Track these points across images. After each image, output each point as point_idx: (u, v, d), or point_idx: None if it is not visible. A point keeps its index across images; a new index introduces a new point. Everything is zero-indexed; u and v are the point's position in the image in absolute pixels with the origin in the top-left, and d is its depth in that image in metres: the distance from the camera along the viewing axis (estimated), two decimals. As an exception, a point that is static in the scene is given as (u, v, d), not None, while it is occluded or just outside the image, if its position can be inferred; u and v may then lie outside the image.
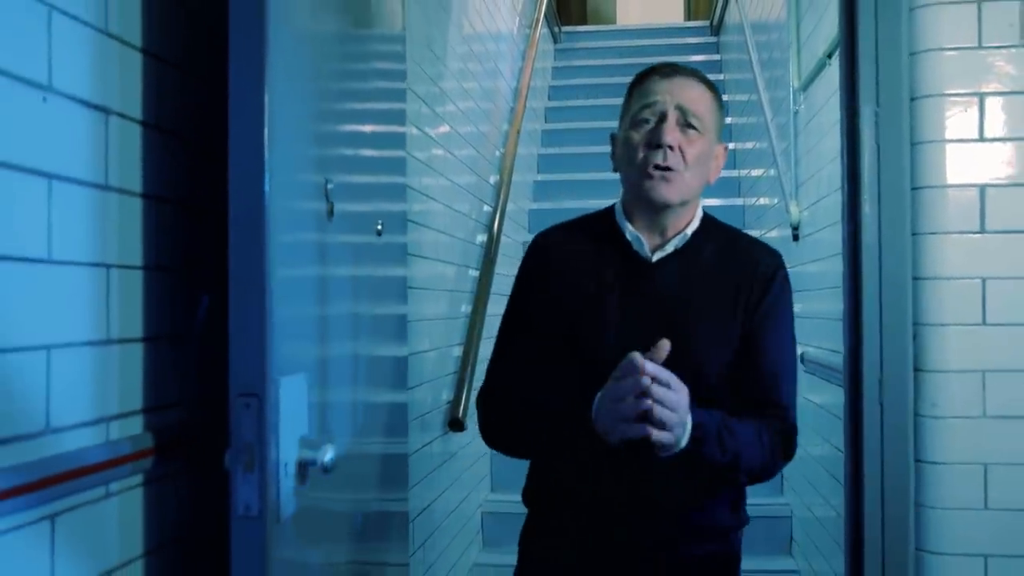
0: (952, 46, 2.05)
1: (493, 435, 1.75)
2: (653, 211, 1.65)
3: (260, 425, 1.28)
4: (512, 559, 1.84)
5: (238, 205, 1.28)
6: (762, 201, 4.70)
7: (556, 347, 1.67)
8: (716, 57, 6.94)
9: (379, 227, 1.94)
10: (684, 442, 1.49)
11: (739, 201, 5.43)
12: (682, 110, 1.60)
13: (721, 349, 1.65)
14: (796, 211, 3.57)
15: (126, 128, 1.32)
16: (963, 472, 2.04)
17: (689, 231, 1.67)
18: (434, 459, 3.24)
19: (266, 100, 1.26)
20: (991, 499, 2.03)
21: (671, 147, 1.58)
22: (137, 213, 1.35)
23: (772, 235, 4.32)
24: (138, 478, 1.35)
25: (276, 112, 1.29)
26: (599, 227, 1.73)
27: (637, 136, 1.62)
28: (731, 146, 6.20)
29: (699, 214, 1.71)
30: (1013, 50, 2.03)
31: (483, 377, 1.81)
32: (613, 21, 8.52)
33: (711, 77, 6.25)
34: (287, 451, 1.35)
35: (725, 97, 6.30)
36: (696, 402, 1.51)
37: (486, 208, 4.29)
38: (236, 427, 1.29)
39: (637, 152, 1.61)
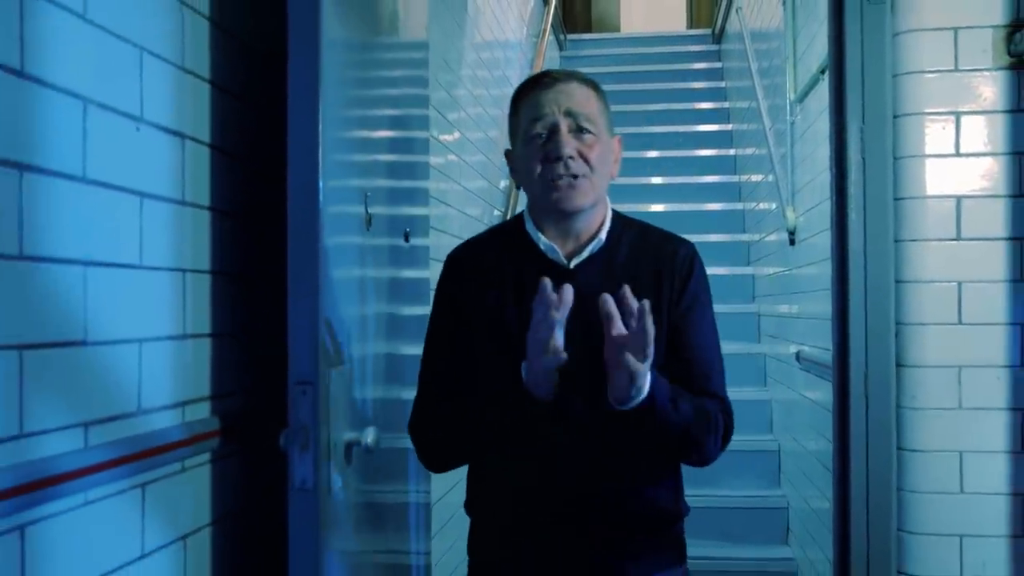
0: (931, 69, 2.22)
1: (431, 452, 1.66)
2: (564, 219, 1.60)
3: (314, 410, 1.47)
4: None
5: (296, 218, 1.47)
6: (761, 206, 4.86)
7: (482, 362, 1.60)
8: (718, 64, 7.09)
9: (407, 232, 2.13)
10: (645, 390, 1.45)
11: (739, 206, 5.59)
12: (572, 115, 1.56)
13: (654, 346, 1.48)
14: (792, 216, 3.73)
15: (197, 150, 1.51)
16: (940, 459, 2.21)
17: (603, 234, 1.62)
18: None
19: (320, 130, 1.45)
20: (966, 484, 2.20)
21: (571, 157, 1.55)
22: (206, 225, 1.54)
23: (771, 239, 4.49)
24: (206, 456, 1.54)
25: (327, 138, 1.48)
26: (511, 239, 1.66)
27: (533, 151, 1.57)
28: (731, 152, 6.33)
29: (609, 213, 1.65)
30: (987, 73, 2.20)
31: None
32: (617, 29, 8.65)
33: (712, 84, 6.46)
34: (336, 433, 1.54)
35: (726, 104, 6.51)
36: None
37: (496, 212, 4.46)
38: (294, 411, 1.48)
39: (537, 167, 1.57)
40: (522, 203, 5.12)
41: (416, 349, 2.24)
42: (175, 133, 1.44)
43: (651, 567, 1.62)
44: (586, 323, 1.49)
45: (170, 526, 1.43)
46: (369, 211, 1.77)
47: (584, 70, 6.49)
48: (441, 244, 3.25)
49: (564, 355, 1.42)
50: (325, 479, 1.49)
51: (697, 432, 1.55)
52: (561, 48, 7.33)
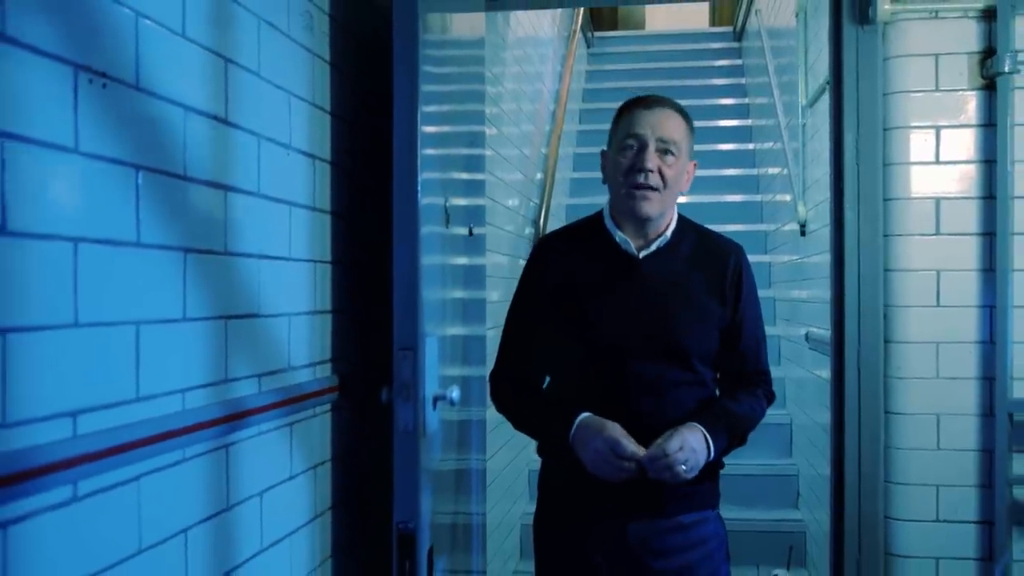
0: (916, 89, 2.58)
1: (501, 411, 2.06)
2: (637, 222, 1.90)
3: (414, 370, 1.89)
4: None
5: (400, 218, 1.88)
6: (777, 198, 5.21)
7: (561, 332, 1.91)
8: (739, 62, 7.36)
9: (471, 227, 2.53)
10: (702, 463, 1.81)
11: (757, 197, 5.91)
12: (661, 139, 1.85)
13: (704, 326, 1.92)
14: (803, 210, 4.08)
15: (323, 167, 1.93)
16: (921, 421, 2.57)
17: (669, 232, 1.93)
18: (489, 423, 3.80)
19: (418, 153, 1.86)
20: (942, 442, 2.57)
21: (651, 171, 1.83)
22: (327, 225, 1.96)
23: (785, 229, 4.84)
24: (328, 406, 1.97)
25: (422, 156, 1.89)
26: (591, 231, 1.97)
27: (624, 159, 1.86)
28: (751, 146, 6.63)
29: (675, 217, 1.96)
30: (963, 93, 2.56)
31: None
32: (642, 27, 8.93)
33: (733, 81, 6.75)
34: (428, 388, 1.96)
35: (746, 100, 6.81)
36: (681, 372, 1.88)
37: (532, 203, 4.80)
38: (398, 371, 1.90)
39: (623, 172, 1.86)
40: (556, 196, 5.41)
41: (479, 328, 2.65)
42: (309, 155, 1.86)
43: (690, 507, 1.92)
44: (650, 303, 1.87)
45: (306, 457, 1.86)
46: (448, 210, 2.18)
47: (609, 67, 6.83)
48: (486, 234, 3.62)
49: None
50: (421, 423, 1.91)
51: (751, 430, 1.98)
52: (589, 46, 7.59)
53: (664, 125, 1.86)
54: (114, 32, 1.20)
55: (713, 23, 8.31)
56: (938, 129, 2.57)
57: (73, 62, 1.12)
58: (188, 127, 1.38)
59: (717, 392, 2.02)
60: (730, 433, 1.89)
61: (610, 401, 1.86)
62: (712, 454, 1.83)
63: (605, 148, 1.98)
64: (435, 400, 2.01)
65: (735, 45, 7.59)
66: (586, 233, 1.99)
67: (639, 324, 1.85)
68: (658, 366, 1.87)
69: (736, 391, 1.99)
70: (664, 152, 1.86)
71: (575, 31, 6.24)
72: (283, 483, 1.74)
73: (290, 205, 1.76)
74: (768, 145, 5.64)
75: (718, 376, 2.03)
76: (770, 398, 2.06)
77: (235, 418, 1.51)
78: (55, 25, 1.08)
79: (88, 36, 1.15)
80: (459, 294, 2.43)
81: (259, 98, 1.62)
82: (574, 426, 1.83)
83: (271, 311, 1.68)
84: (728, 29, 7.87)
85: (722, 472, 2.05)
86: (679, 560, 1.92)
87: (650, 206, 1.86)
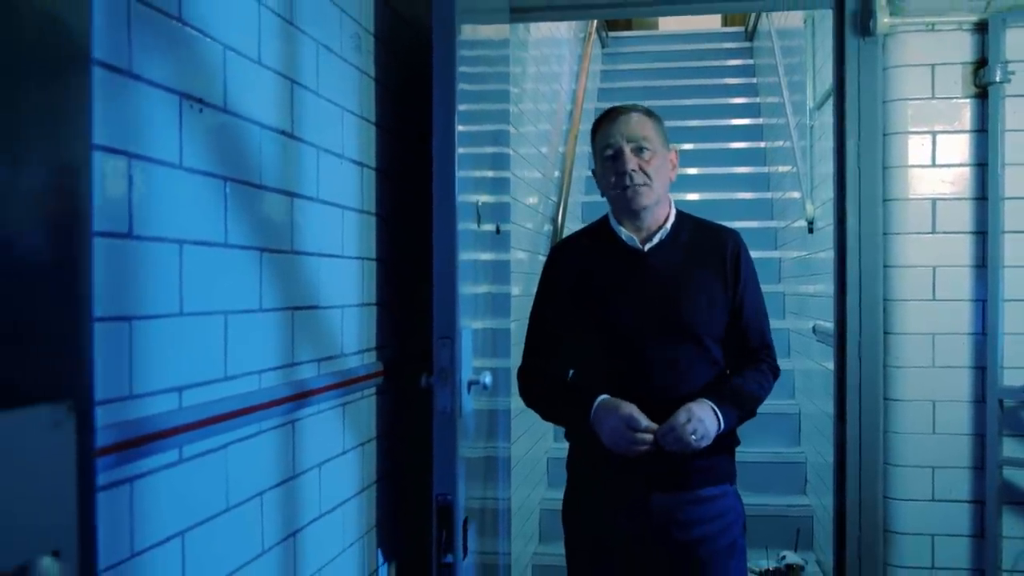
0: (913, 97, 2.75)
1: (530, 406, 2.24)
2: (636, 216, 2.09)
3: (452, 357, 2.09)
4: None
5: (440, 218, 2.06)
6: (787, 196, 5.36)
7: (582, 325, 2.09)
8: (750, 61, 7.47)
9: (498, 226, 2.72)
10: (713, 433, 1.97)
11: (768, 195, 6.05)
12: (633, 140, 2.05)
13: (711, 307, 2.08)
14: (811, 208, 4.24)
15: (369, 173, 2.13)
16: (918, 407, 2.74)
17: (668, 224, 2.11)
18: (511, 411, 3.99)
19: (456, 159, 2.05)
20: (937, 426, 2.74)
21: (633, 171, 2.03)
22: (372, 226, 2.16)
23: (794, 226, 4.99)
24: (373, 390, 2.17)
25: (460, 159, 2.08)
26: (599, 233, 2.17)
27: (607, 169, 2.09)
28: (762, 144, 6.75)
29: (673, 210, 2.14)
30: (956, 101, 2.73)
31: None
32: (656, 27, 9.08)
33: (744, 80, 6.85)
34: (464, 374, 2.15)
35: (757, 99, 6.95)
36: (693, 351, 2.04)
37: (551, 200, 4.94)
38: (437, 357, 2.10)
39: (611, 179, 2.08)
40: (572, 194, 5.51)
41: (505, 322, 2.83)
42: (358, 163, 2.06)
43: (708, 480, 2.08)
44: (659, 291, 2.05)
45: (355, 436, 2.06)
46: (479, 209, 2.37)
47: (624, 67, 6.94)
48: (510, 231, 3.81)
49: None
50: (458, 405, 2.11)
51: (757, 403, 2.12)
52: (604, 46, 7.70)
53: (630, 127, 2.07)
54: (208, 63, 1.41)
55: (725, 23, 8.43)
56: (934, 134, 2.74)
57: (179, 91, 1.32)
58: (263, 142, 1.59)
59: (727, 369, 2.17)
60: (738, 406, 2.04)
61: (630, 382, 2.03)
62: (722, 425, 1.98)
63: (592, 168, 2.18)
64: (469, 384, 2.20)
65: (747, 45, 7.69)
66: (595, 235, 2.19)
67: (652, 310, 2.03)
68: (672, 347, 2.03)
69: (743, 368, 2.14)
70: (639, 150, 2.05)
71: (591, 32, 6.39)
72: (337, 457, 1.95)
73: (343, 208, 1.96)
74: (778, 143, 5.75)
75: (725, 348, 2.16)
76: (775, 372, 2.20)
77: (300, 397, 1.72)
78: (165, 61, 1.29)
79: (189, 68, 1.35)
80: (487, 289, 2.61)
81: (317, 114, 1.82)
82: (593, 408, 2.01)
83: (328, 303, 1.88)
84: (740, 29, 7.97)
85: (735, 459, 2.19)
86: (699, 531, 2.07)
87: (643, 198, 2.06)
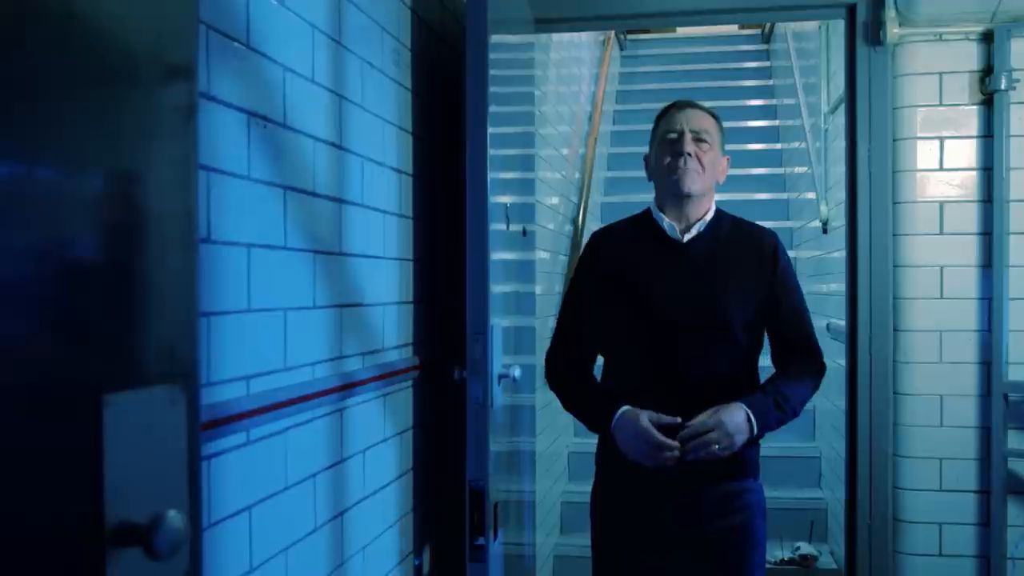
0: (922, 103, 2.85)
1: (553, 390, 2.32)
2: (680, 202, 2.13)
3: (484, 351, 2.23)
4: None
5: (472, 221, 2.20)
6: (802, 196, 5.44)
7: (617, 312, 2.13)
8: (767, 64, 7.54)
9: (524, 228, 2.86)
10: (740, 441, 2.02)
11: (784, 195, 6.12)
12: (695, 131, 2.12)
13: (745, 303, 2.13)
14: (825, 209, 4.34)
15: (405, 180, 2.28)
16: (926, 401, 2.84)
17: (708, 217, 2.16)
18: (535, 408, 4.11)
19: (487, 166, 2.19)
20: (945, 419, 2.83)
21: (690, 154, 2.10)
22: (409, 228, 2.31)
23: (810, 226, 5.08)
24: (410, 383, 2.32)
25: (491, 164, 2.21)
26: (640, 224, 2.23)
27: (665, 149, 2.14)
28: (778, 146, 6.81)
29: (713, 206, 2.19)
30: (964, 107, 2.83)
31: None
32: (673, 29, 9.16)
33: (761, 82, 6.94)
34: (495, 367, 2.29)
35: (773, 101, 7.02)
36: (724, 340, 2.09)
37: (571, 200, 5.04)
38: (470, 352, 2.23)
39: (666, 159, 2.13)
40: (594, 192, 5.58)
41: (530, 320, 2.97)
42: (397, 170, 2.21)
43: (733, 475, 2.16)
44: (696, 281, 2.10)
45: (394, 425, 2.21)
46: (508, 211, 2.51)
47: (641, 69, 7.04)
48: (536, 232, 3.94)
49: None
50: (490, 396, 2.25)
51: (801, 404, 2.19)
52: (622, 48, 7.78)
53: (696, 119, 2.16)
54: (270, 84, 1.55)
55: (742, 26, 8.49)
56: (942, 140, 2.84)
57: (246, 110, 1.47)
58: (316, 153, 1.74)
59: (757, 356, 2.24)
60: (778, 408, 2.09)
61: (663, 368, 2.10)
62: (755, 430, 2.04)
63: (647, 151, 2.24)
64: (500, 378, 2.34)
65: (763, 47, 7.75)
66: (634, 226, 2.25)
67: (687, 300, 2.08)
68: (704, 335, 2.09)
69: (786, 364, 2.20)
70: (698, 140, 2.13)
71: (609, 36, 6.49)
72: (378, 444, 2.09)
73: (383, 213, 2.11)
74: (794, 145, 5.82)
75: (770, 348, 2.25)
76: (819, 369, 2.27)
77: (347, 387, 1.86)
78: (236, 83, 1.44)
79: (255, 88, 1.50)
80: (514, 288, 2.75)
81: (362, 126, 1.97)
82: (615, 417, 2.09)
83: (371, 301, 2.03)
84: (756, 32, 8.03)
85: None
86: (725, 523, 2.15)
87: (692, 182, 2.11)
